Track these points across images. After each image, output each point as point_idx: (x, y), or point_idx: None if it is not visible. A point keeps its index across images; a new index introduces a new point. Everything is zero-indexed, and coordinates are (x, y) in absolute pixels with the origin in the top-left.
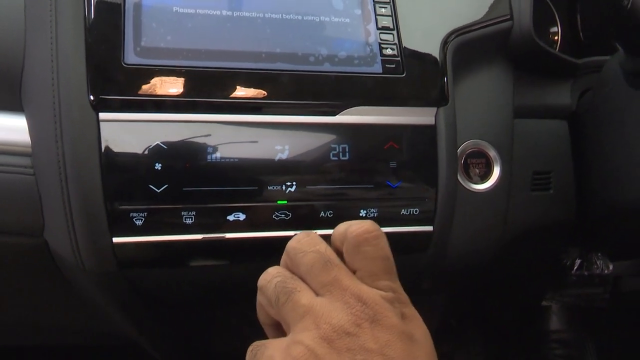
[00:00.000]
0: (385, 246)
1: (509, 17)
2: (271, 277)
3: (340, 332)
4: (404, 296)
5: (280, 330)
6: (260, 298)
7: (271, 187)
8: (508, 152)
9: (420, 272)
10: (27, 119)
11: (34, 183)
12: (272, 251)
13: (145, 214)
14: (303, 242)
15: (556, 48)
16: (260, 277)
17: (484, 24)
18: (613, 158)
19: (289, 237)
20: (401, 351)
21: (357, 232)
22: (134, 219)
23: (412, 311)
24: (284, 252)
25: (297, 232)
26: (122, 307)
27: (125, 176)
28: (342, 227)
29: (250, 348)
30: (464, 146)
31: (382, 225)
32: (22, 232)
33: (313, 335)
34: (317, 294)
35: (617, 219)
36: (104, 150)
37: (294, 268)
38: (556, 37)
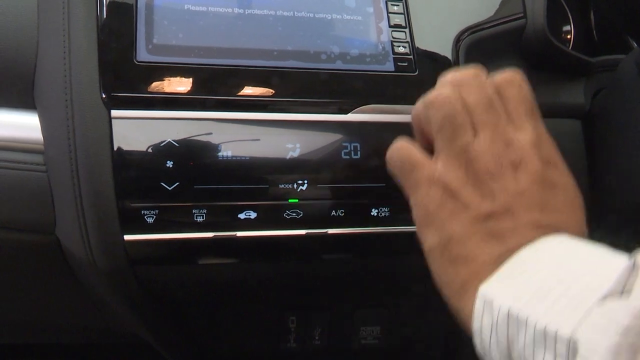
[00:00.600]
0: (528, 89)
1: (522, 14)
2: (441, 102)
3: (486, 174)
4: (550, 140)
5: (426, 141)
6: (421, 113)
7: (282, 186)
8: None
9: (431, 272)
10: (39, 116)
11: (46, 180)
12: (283, 250)
13: (157, 211)
14: (471, 80)
15: (569, 47)
16: (432, 95)
17: (497, 22)
18: (628, 157)
19: (299, 236)
20: (538, 197)
21: (502, 77)
22: (145, 217)
23: (557, 157)
24: (455, 81)
25: (308, 231)
26: (131, 304)
27: (136, 174)
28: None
29: (399, 152)
30: None
31: (393, 225)
32: (34, 229)
33: (460, 176)
34: (475, 131)
35: (632, 219)
36: (116, 147)
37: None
38: (569, 36)
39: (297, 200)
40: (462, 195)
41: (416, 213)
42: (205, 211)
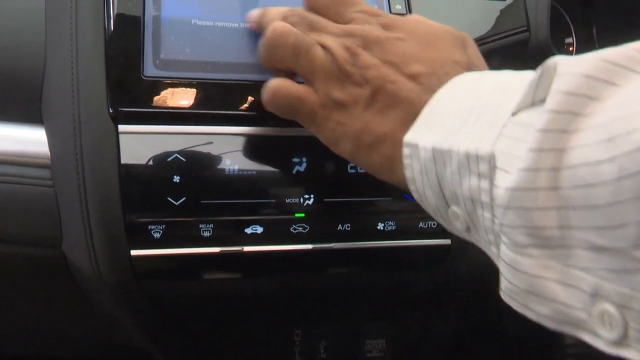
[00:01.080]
0: None
1: (525, 28)
2: (282, 36)
3: (347, 66)
4: (375, 11)
5: (287, 74)
6: (270, 54)
7: (289, 200)
8: None
9: (437, 285)
10: (46, 131)
11: (53, 195)
12: (289, 264)
13: (164, 226)
14: (287, 12)
15: None
16: (270, 35)
17: (501, 35)
18: None
19: (306, 251)
20: (395, 53)
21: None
22: (152, 232)
23: (390, 19)
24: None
25: (315, 245)
26: (137, 317)
27: (143, 188)
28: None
29: (281, 94)
30: None
31: (400, 238)
32: (40, 244)
33: (336, 84)
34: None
35: None
36: (123, 162)
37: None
38: (571, 49)
39: (303, 215)
40: (346, 97)
41: (323, 137)
42: (211, 226)
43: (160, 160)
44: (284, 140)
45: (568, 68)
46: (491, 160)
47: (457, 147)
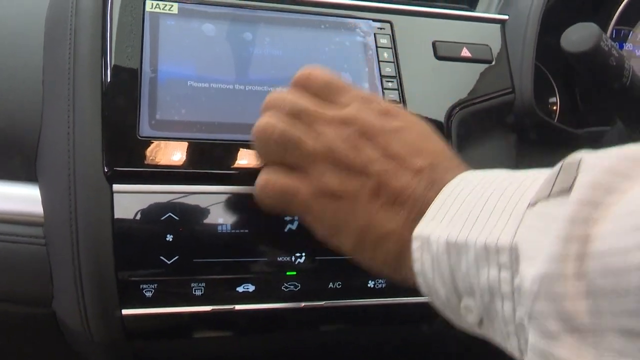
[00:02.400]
0: (325, 72)
1: (510, 90)
2: (266, 133)
3: (347, 159)
4: (372, 98)
5: (282, 167)
6: (260, 150)
7: (280, 258)
8: None
9: (429, 340)
10: (40, 189)
11: (45, 253)
12: (281, 323)
13: (156, 285)
14: (275, 99)
15: (555, 118)
16: (255, 132)
17: (487, 97)
18: None
19: (297, 309)
20: (397, 145)
21: (300, 72)
22: (144, 291)
23: (388, 107)
24: (265, 108)
25: (306, 303)
26: None
27: (137, 247)
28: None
29: (271, 188)
30: None
31: (390, 296)
32: (31, 302)
33: (332, 176)
34: (309, 132)
35: None
36: (117, 222)
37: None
38: (555, 107)
39: (295, 273)
40: (345, 189)
41: (320, 229)
42: (203, 284)
43: (154, 219)
44: None
45: (593, 162)
46: (513, 251)
47: (473, 239)
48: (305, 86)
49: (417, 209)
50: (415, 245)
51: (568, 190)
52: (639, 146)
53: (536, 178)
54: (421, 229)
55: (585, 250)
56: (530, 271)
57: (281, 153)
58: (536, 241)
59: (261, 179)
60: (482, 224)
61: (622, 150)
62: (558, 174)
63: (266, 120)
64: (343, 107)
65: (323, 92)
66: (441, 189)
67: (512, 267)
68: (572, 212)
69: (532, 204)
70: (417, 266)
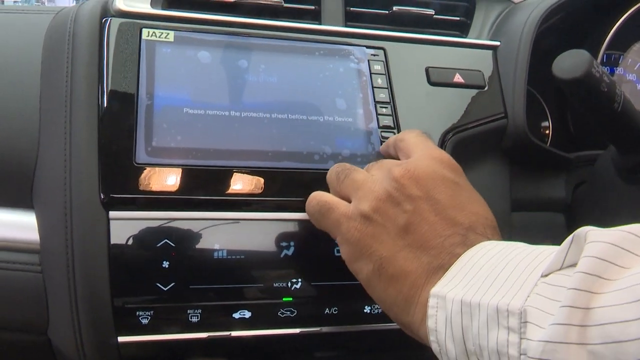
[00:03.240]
0: (419, 132)
1: (503, 115)
2: (334, 169)
3: (391, 189)
4: (442, 151)
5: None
6: (329, 183)
7: (277, 284)
8: None
9: None
10: (37, 216)
11: (41, 280)
12: (277, 349)
13: (152, 312)
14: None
15: (548, 142)
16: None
17: (480, 122)
18: None
19: (294, 335)
20: (444, 193)
21: (404, 131)
22: (140, 318)
23: (453, 162)
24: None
25: (302, 329)
26: None
27: (133, 275)
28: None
29: (315, 200)
30: None
31: (386, 322)
32: (26, 329)
33: (371, 203)
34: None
35: None
36: (113, 249)
37: None
38: (547, 131)
39: (291, 299)
40: (377, 218)
41: (344, 250)
42: (200, 311)
43: (150, 246)
44: (271, 225)
45: (598, 237)
46: (522, 316)
47: (487, 301)
48: (395, 144)
49: (440, 261)
50: (432, 302)
51: (577, 263)
52: None
53: (551, 252)
54: (439, 288)
55: (587, 319)
56: (535, 336)
57: (337, 184)
58: (544, 308)
59: (313, 193)
60: (497, 288)
61: (626, 227)
62: (569, 247)
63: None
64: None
65: (405, 148)
66: (468, 251)
67: (520, 331)
68: (576, 283)
69: (544, 275)
70: (431, 323)
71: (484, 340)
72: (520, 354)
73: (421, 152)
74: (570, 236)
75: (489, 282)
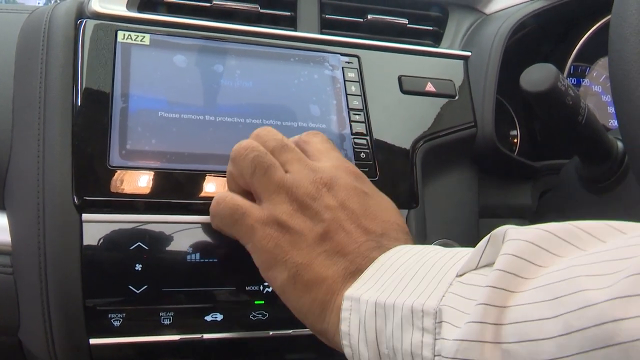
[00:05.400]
0: (326, 137)
1: (473, 124)
2: (246, 151)
3: (307, 198)
4: (350, 164)
5: (246, 194)
6: (232, 169)
7: (249, 287)
8: None
9: None
10: (8, 217)
11: (12, 282)
12: (249, 351)
13: (124, 314)
14: (265, 132)
15: (515, 150)
16: (234, 149)
17: (451, 131)
18: None
19: (265, 338)
20: (357, 203)
21: (307, 132)
22: (112, 320)
23: (360, 172)
24: (252, 137)
25: (274, 332)
26: None
27: (105, 277)
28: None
29: (224, 203)
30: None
31: None
32: None
33: (287, 209)
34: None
35: None
36: (86, 251)
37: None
38: (515, 140)
39: (263, 302)
40: (294, 225)
41: (258, 258)
42: (172, 314)
43: (123, 249)
44: None
45: (516, 235)
46: (437, 315)
47: (401, 302)
48: (301, 141)
49: (356, 265)
50: (345, 304)
51: (494, 262)
52: (562, 224)
53: (467, 252)
54: (353, 291)
55: (503, 317)
56: (451, 335)
57: (249, 175)
58: (459, 307)
59: (219, 194)
60: (412, 289)
61: (544, 226)
62: (485, 246)
63: (248, 142)
64: (319, 162)
65: (313, 149)
66: (382, 254)
67: (434, 332)
68: (493, 281)
69: (459, 274)
70: (344, 326)
71: (398, 342)
72: (435, 355)
73: (331, 162)
74: (487, 236)
75: (404, 283)
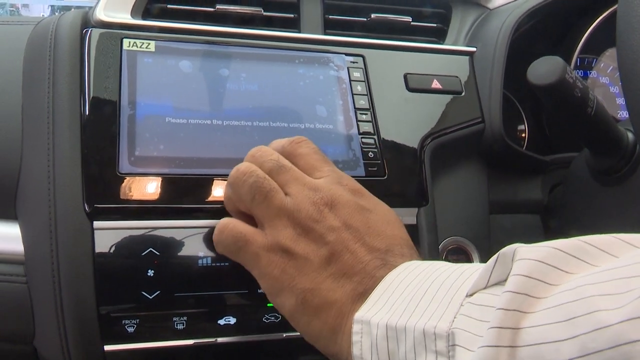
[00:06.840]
0: (314, 145)
1: (480, 119)
2: (244, 177)
3: (310, 221)
4: (347, 176)
5: (247, 217)
6: (229, 193)
7: (261, 290)
8: (485, 248)
9: None
10: (20, 227)
11: (26, 291)
12: (262, 354)
13: (138, 320)
14: (260, 153)
15: (524, 145)
16: (231, 174)
17: (458, 127)
18: None
19: (279, 340)
20: (360, 221)
21: (291, 140)
22: (125, 326)
23: (360, 187)
24: (247, 159)
25: (287, 334)
26: None
27: (118, 284)
28: (278, 144)
29: (227, 231)
30: (445, 243)
31: None
32: (12, 340)
33: (290, 234)
34: (283, 191)
35: None
36: (98, 258)
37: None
38: (524, 134)
39: None
40: (299, 250)
41: (264, 284)
42: (185, 318)
43: (135, 255)
44: None
45: (526, 254)
46: (450, 339)
47: (412, 325)
48: (291, 154)
49: (364, 286)
50: (356, 328)
51: (503, 281)
52: (571, 240)
53: (476, 270)
54: (363, 313)
55: (517, 339)
56: (465, 359)
57: (249, 201)
58: (472, 330)
59: (222, 221)
60: (422, 310)
61: (552, 243)
62: (494, 265)
63: (246, 166)
64: (318, 178)
65: (306, 164)
66: (390, 272)
67: (448, 355)
68: (505, 303)
69: (469, 294)
70: (356, 350)
71: None
72: None
73: (329, 178)
74: (496, 255)
75: (414, 304)
